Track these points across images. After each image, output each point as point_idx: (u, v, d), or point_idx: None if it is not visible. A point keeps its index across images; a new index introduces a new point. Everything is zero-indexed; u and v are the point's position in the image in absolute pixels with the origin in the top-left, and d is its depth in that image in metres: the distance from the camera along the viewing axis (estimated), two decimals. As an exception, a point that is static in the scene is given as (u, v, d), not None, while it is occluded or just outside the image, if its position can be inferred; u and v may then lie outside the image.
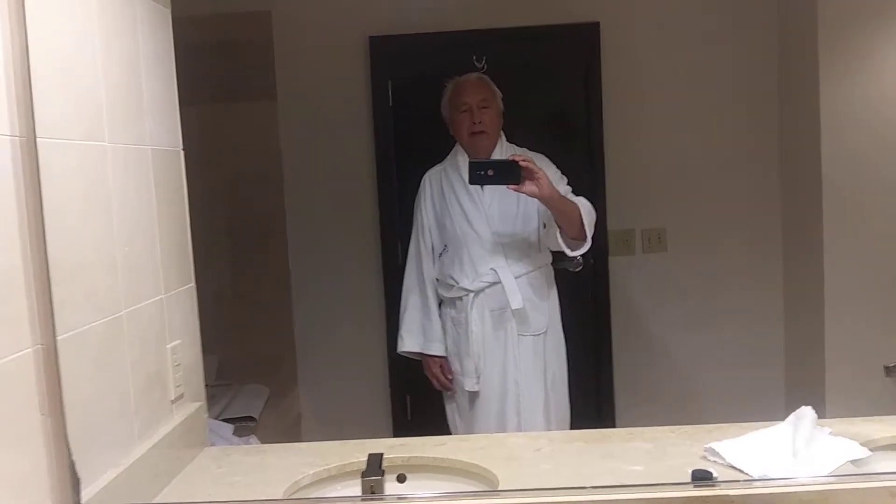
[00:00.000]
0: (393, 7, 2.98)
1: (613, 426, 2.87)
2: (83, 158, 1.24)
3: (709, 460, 1.33)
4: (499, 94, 2.34)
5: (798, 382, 2.91)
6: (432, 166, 2.43)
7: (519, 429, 2.21)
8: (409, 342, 2.37)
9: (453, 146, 2.39)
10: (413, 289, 2.38)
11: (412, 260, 2.40)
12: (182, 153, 1.60)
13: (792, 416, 1.40)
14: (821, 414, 1.44)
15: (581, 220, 2.15)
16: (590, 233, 2.18)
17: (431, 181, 2.39)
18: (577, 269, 2.69)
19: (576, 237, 2.18)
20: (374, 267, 3.05)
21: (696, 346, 3.01)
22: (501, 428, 2.21)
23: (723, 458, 1.32)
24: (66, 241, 1.18)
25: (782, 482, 1.19)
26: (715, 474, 1.21)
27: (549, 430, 2.22)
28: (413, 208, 2.43)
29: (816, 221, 2.69)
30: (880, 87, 2.60)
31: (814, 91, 2.66)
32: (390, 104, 3.07)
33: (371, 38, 3.02)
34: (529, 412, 2.23)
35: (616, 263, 3.04)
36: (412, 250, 2.40)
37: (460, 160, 2.34)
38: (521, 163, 2.03)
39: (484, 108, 2.28)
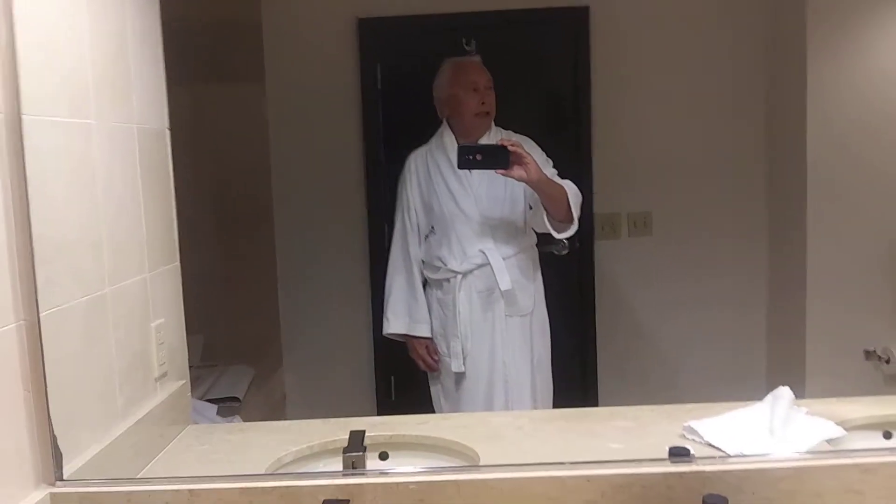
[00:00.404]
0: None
1: (597, 407, 2.90)
2: (68, 136, 1.23)
3: (687, 438, 1.35)
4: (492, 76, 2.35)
5: (780, 365, 2.94)
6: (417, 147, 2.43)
7: (506, 409, 2.23)
8: (394, 324, 2.37)
9: (447, 125, 2.38)
10: (398, 270, 2.38)
11: (397, 241, 2.40)
12: (168, 132, 1.60)
13: (769, 396, 1.42)
14: (801, 395, 1.46)
15: (568, 203, 2.16)
16: (576, 216, 2.19)
17: (417, 162, 2.38)
18: (564, 252, 2.71)
19: (562, 220, 2.19)
20: (361, 249, 3.06)
21: (680, 329, 3.04)
22: (488, 408, 2.24)
23: (701, 437, 1.34)
24: (51, 218, 1.18)
25: (757, 459, 1.21)
26: (692, 451, 1.23)
27: (534, 409, 2.24)
28: (397, 189, 2.42)
29: (801, 207, 2.71)
30: (867, 74, 2.62)
31: (801, 77, 2.67)
32: (379, 86, 3.06)
33: (360, 20, 3.01)
34: (517, 392, 2.26)
35: (602, 247, 3.06)
36: (397, 231, 2.40)
37: (447, 141, 2.35)
38: (510, 147, 2.04)
39: (489, 88, 2.30)
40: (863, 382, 2.57)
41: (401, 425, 1.50)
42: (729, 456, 1.26)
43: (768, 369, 2.99)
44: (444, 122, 2.38)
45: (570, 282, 3.02)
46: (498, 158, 2.05)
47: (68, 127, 1.23)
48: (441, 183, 2.33)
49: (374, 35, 3.02)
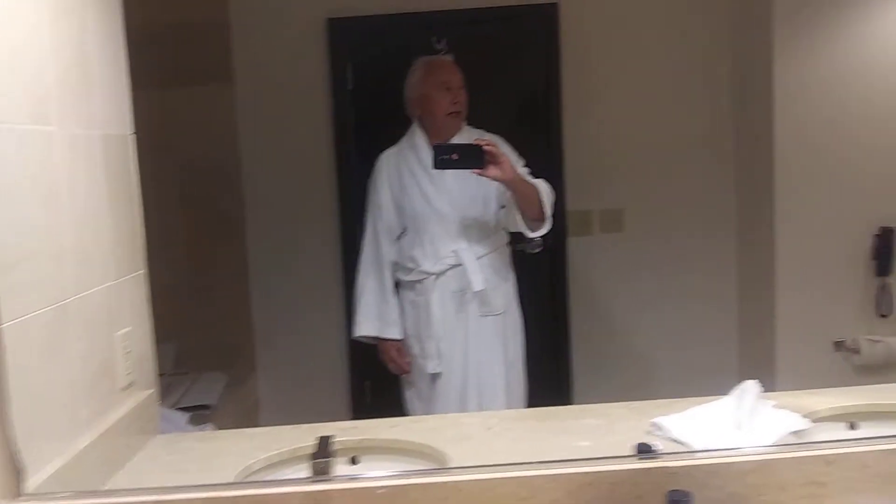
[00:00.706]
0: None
1: (571, 404, 2.91)
2: (29, 143, 1.21)
3: (654, 435, 1.36)
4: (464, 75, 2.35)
5: (751, 358, 2.98)
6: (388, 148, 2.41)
7: (480, 409, 2.23)
8: (365, 326, 2.36)
9: (418, 126, 2.37)
10: (369, 272, 2.37)
11: (369, 243, 2.38)
12: (133, 137, 1.58)
13: (736, 390, 1.43)
14: (771, 388, 1.48)
15: (541, 201, 2.18)
16: (549, 214, 2.20)
17: (388, 163, 2.37)
18: (536, 251, 2.72)
19: (535, 218, 2.20)
20: (333, 252, 3.04)
21: (653, 325, 3.06)
22: (462, 409, 2.24)
23: (667, 432, 1.35)
24: (11, 226, 1.16)
25: (722, 452, 1.22)
26: (659, 447, 1.24)
27: (508, 409, 2.25)
28: (368, 191, 2.41)
29: (769, 202, 2.75)
30: (833, 70, 2.66)
31: (767, 72, 2.70)
32: (349, 87, 3.05)
33: (330, 19, 3.00)
34: (490, 392, 2.26)
35: (574, 244, 3.07)
36: (368, 233, 2.39)
37: (419, 141, 2.34)
38: (486, 147, 2.04)
39: (461, 88, 2.30)
40: (833, 374, 2.61)
41: (371, 429, 1.50)
42: (694, 451, 1.27)
43: (740, 363, 3.02)
44: (416, 122, 2.37)
45: (543, 280, 3.03)
46: (474, 158, 2.05)
47: (29, 134, 1.22)
48: (413, 183, 2.32)
49: (344, 35, 3.02)
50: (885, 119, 2.64)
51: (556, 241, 2.97)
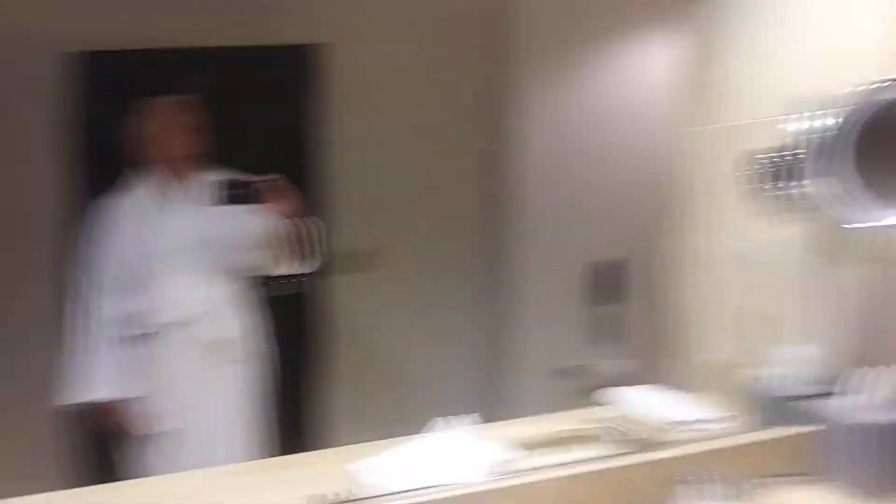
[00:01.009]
0: (96, 22, 2.78)
1: (328, 447, 2.88)
2: None
3: (353, 480, 1.35)
4: (208, 116, 2.29)
5: (494, 388, 3.14)
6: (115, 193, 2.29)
7: (224, 462, 2.14)
8: (88, 389, 2.18)
9: (141, 170, 2.28)
10: (92, 329, 2.20)
11: (90, 297, 2.22)
12: None
13: (440, 426, 1.47)
14: (505, 417, 1.53)
15: (303, 240, 2.19)
16: (311, 253, 2.22)
17: (116, 210, 2.24)
18: (295, 292, 2.70)
19: (297, 258, 2.20)
20: (54, 308, 2.77)
21: (416, 363, 3.12)
22: (203, 464, 2.11)
23: (365, 476, 1.35)
24: None
25: (414, 493, 1.25)
26: (350, 493, 1.24)
27: (254, 460, 2.18)
28: (91, 240, 2.25)
29: (508, 237, 2.95)
30: (566, 113, 2.92)
31: (512, 112, 2.91)
32: (91, 126, 2.86)
33: (73, 53, 2.80)
34: (233, 444, 2.19)
35: (335, 283, 3.07)
36: (91, 287, 2.22)
37: (145, 186, 2.24)
38: (266, 182, 2.04)
39: (192, 129, 2.23)
40: (565, 399, 2.80)
41: (83, 498, 1.38)
42: (384, 494, 1.29)
43: (490, 395, 3.15)
44: (145, 165, 2.27)
45: (302, 321, 2.99)
46: (253, 194, 2.06)
47: None
48: (147, 229, 2.21)
49: (88, 70, 2.82)
50: (612, 161, 2.94)
51: (316, 280, 2.95)
